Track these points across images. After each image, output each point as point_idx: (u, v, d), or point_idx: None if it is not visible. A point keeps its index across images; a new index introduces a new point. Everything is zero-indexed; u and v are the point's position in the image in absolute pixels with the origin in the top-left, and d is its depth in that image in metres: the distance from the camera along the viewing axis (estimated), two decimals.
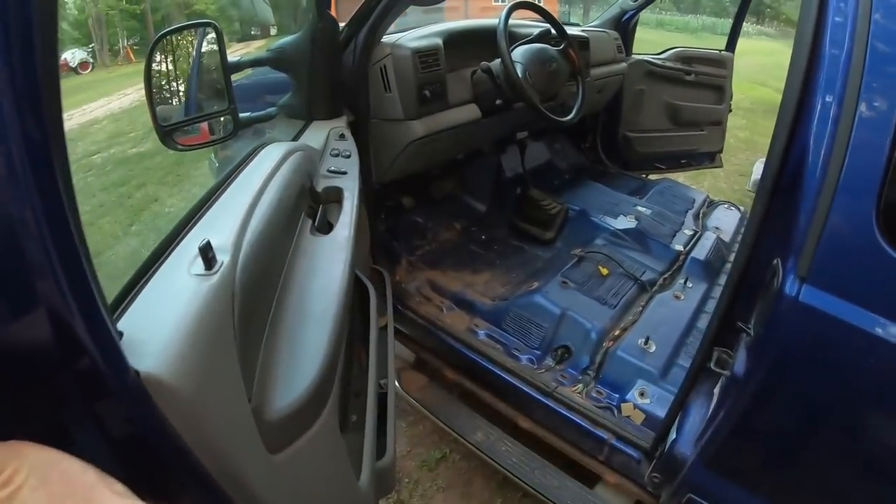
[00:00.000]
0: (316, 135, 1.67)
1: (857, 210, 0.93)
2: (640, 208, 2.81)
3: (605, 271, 2.35)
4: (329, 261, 1.18)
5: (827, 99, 0.97)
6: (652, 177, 3.68)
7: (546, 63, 2.13)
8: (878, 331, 0.92)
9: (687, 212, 2.98)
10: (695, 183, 4.83)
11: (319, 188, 1.48)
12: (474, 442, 1.95)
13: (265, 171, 1.15)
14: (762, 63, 10.99)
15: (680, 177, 4.14)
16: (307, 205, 1.35)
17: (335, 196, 1.46)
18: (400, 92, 1.99)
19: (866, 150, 0.92)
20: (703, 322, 2.17)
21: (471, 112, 2.25)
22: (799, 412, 1.12)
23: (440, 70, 2.09)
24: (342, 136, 1.71)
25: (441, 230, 2.76)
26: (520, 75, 2.03)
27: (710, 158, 4.00)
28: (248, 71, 1.85)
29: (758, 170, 5.03)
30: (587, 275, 2.34)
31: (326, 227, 1.34)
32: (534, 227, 2.74)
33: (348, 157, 1.63)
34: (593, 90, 2.88)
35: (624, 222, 2.67)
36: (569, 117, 2.23)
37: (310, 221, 1.31)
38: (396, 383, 2.11)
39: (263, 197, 1.06)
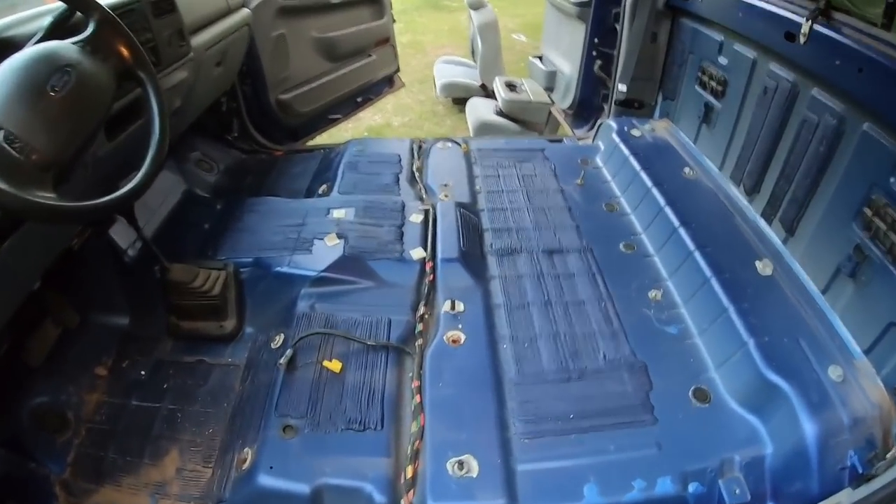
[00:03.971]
0: None
1: None
2: (335, 213, 1.85)
3: (335, 366, 1.39)
4: None
5: None
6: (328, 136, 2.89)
7: (43, 89, 0.94)
8: None
9: (396, 181, 2.12)
10: (374, 114, 4.05)
11: None
12: None
13: None
14: None
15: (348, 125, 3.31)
16: None
17: None
18: None
19: None
20: (514, 368, 1.45)
21: None
22: None
23: None
24: None
25: (83, 396, 1.53)
26: None
27: (388, 83, 3.38)
28: None
29: (441, 71, 4.40)
30: (308, 385, 1.38)
31: None
32: (202, 323, 1.66)
33: None
34: (210, 64, 1.95)
35: (324, 252, 1.72)
36: (131, 186, 1.09)
37: None
38: None
39: None
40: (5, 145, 0.89)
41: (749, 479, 1.21)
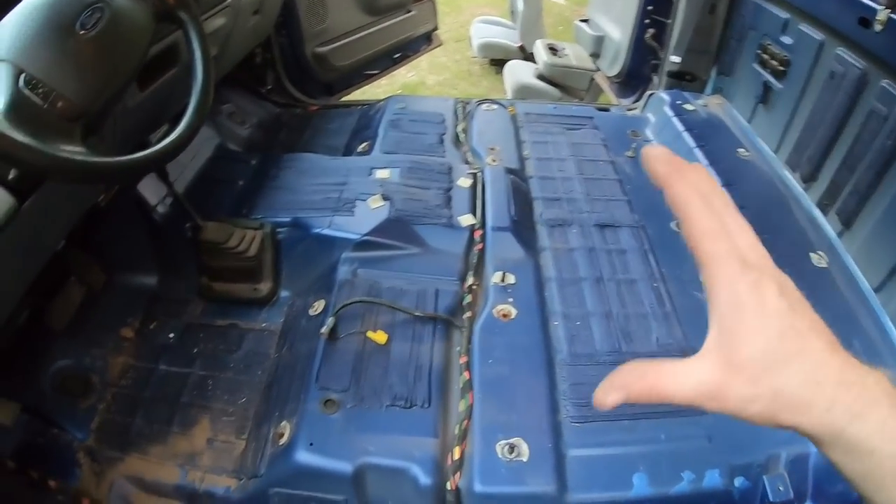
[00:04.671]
0: None
1: None
2: (379, 173, 1.73)
3: (380, 337, 1.29)
4: None
5: None
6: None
7: (72, 27, 0.82)
8: None
9: (441, 141, 1.99)
10: (408, 71, 3.88)
11: None
12: None
13: None
14: None
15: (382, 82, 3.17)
16: None
17: None
18: None
19: None
20: (565, 348, 1.34)
21: None
22: None
23: None
24: None
25: (109, 360, 1.45)
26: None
27: (426, 40, 3.19)
28: None
29: (478, 31, 4.20)
30: (352, 357, 1.27)
31: None
32: (236, 285, 1.57)
33: None
34: (248, 13, 1.84)
35: (368, 214, 1.59)
36: (172, 139, 0.96)
37: None
38: None
39: None
40: (26, 90, 0.75)
41: (793, 476, 1.14)
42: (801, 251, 1.53)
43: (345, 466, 1.11)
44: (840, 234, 1.58)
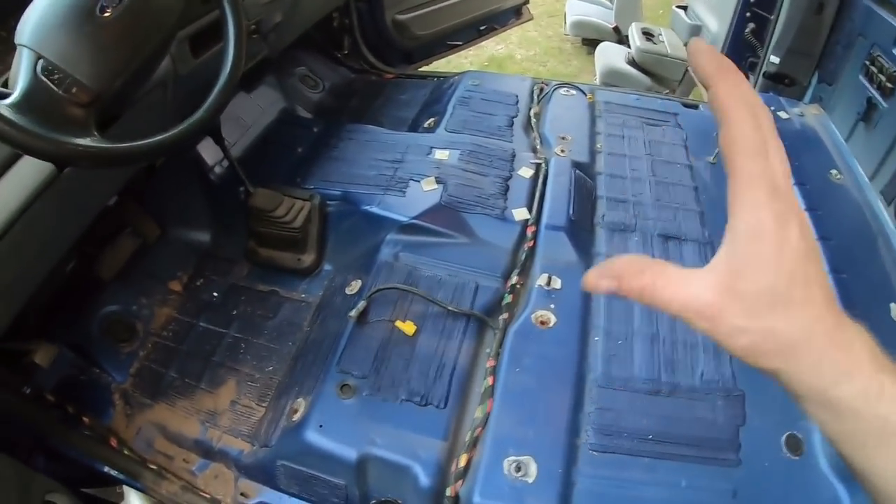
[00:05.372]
0: None
1: None
2: (438, 154, 1.66)
3: (409, 327, 1.25)
4: None
5: None
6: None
7: (92, 9, 0.81)
8: None
9: (511, 124, 1.89)
10: (497, 43, 3.74)
11: None
12: None
13: None
14: None
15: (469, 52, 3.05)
16: None
17: None
18: None
19: None
20: (600, 367, 1.24)
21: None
22: None
23: None
24: None
25: (154, 309, 1.51)
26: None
27: (515, 14, 3.03)
28: None
29: (573, 8, 3.99)
30: (377, 344, 1.24)
31: None
32: (280, 253, 1.56)
33: None
34: None
35: (419, 196, 1.54)
36: (186, 126, 0.93)
37: None
38: None
39: None
40: (43, 77, 0.76)
41: None
42: (881, 298, 1.34)
43: (350, 453, 1.09)
44: None
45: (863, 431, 0.33)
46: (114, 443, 1.25)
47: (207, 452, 1.26)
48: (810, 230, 0.34)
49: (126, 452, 1.24)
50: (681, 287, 0.37)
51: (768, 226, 0.33)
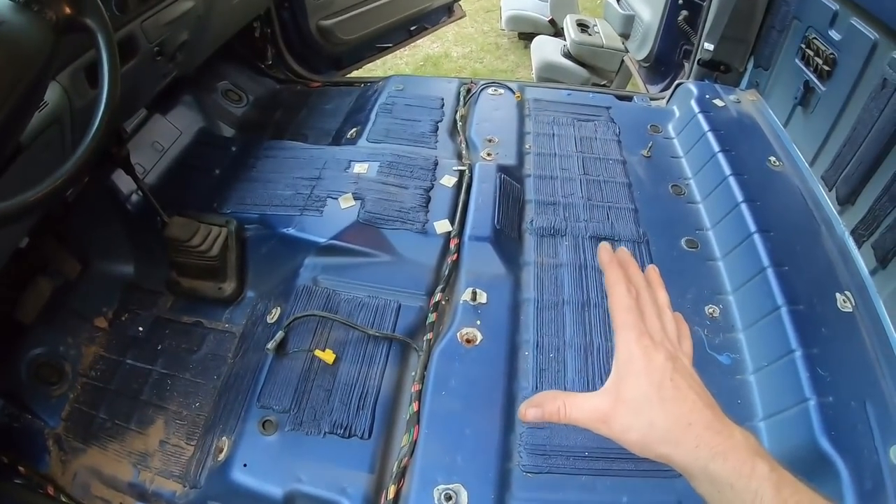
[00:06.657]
0: None
1: None
2: (357, 167, 1.63)
3: (328, 356, 1.22)
4: None
5: None
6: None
7: None
8: None
9: (435, 130, 1.85)
10: (433, 41, 3.68)
11: None
12: None
13: None
14: None
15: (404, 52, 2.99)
16: None
17: None
18: None
19: None
20: (531, 384, 1.22)
21: None
22: None
23: None
24: None
25: (82, 349, 1.46)
26: None
27: (447, 12, 3.01)
28: None
29: (508, 2, 3.96)
30: (296, 376, 1.22)
31: None
32: (201, 283, 1.53)
33: None
34: None
35: (336, 215, 1.51)
36: (44, 189, 0.84)
37: None
38: None
39: None
40: None
41: None
42: (825, 289, 1.35)
43: (276, 491, 1.07)
44: (873, 273, 1.38)
45: (739, 502, 0.41)
46: (51, 491, 1.22)
47: (142, 495, 1.24)
48: (685, 364, 0.49)
49: (64, 500, 1.21)
50: (583, 405, 0.48)
51: (636, 354, 0.47)
